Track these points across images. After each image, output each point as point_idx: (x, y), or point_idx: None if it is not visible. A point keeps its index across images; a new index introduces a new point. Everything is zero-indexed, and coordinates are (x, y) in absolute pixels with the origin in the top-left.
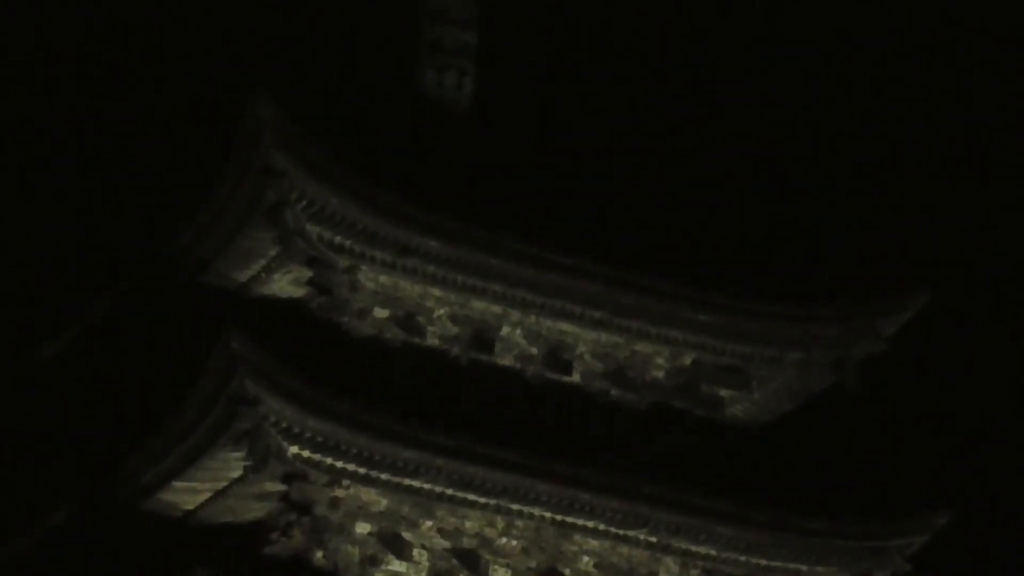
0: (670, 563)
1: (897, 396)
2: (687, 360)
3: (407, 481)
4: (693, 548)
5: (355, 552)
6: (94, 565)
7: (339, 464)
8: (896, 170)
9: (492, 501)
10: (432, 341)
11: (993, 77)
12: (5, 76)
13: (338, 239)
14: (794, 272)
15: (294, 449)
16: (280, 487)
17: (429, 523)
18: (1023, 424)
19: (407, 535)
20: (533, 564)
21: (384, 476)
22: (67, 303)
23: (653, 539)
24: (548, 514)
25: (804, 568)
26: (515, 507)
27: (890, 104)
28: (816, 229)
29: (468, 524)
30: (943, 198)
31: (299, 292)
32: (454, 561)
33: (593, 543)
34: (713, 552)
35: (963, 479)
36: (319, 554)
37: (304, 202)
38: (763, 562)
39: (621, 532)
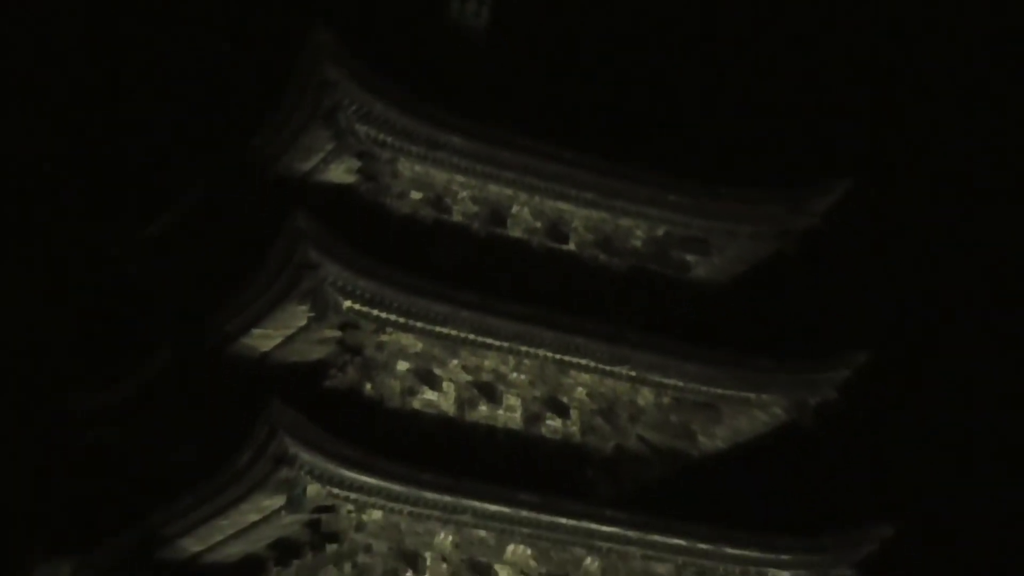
0: (646, 392)
1: (829, 263)
2: (660, 232)
3: (437, 328)
4: (665, 380)
5: (396, 384)
6: (191, 399)
7: (383, 315)
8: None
9: (505, 344)
10: (457, 218)
11: None
12: None
13: (381, 136)
14: (748, 164)
15: (348, 303)
16: (337, 333)
17: (455, 361)
18: (932, 273)
19: (438, 371)
20: (537, 394)
21: (419, 324)
22: (166, 193)
23: (633, 373)
24: (550, 354)
25: (752, 396)
26: (523, 348)
27: None
28: (768, 136)
29: (486, 363)
30: (866, 103)
31: (350, 179)
32: (475, 391)
33: (585, 377)
34: (680, 384)
35: (879, 329)
36: (368, 386)
37: (354, 107)
38: (720, 391)
39: (607, 368)
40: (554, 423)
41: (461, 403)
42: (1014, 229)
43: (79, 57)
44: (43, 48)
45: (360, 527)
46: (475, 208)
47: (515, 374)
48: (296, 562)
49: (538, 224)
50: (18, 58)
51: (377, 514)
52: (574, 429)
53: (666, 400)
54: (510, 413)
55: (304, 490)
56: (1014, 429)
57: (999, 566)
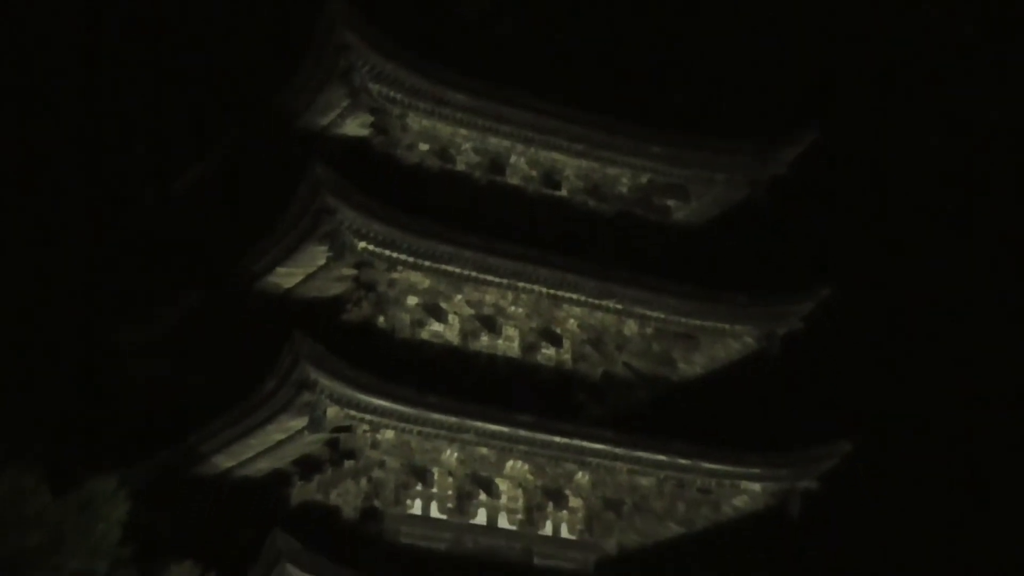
0: (631, 324)
1: (796, 207)
2: (644, 180)
3: (443, 267)
4: (648, 313)
5: (406, 317)
6: (222, 332)
7: (394, 255)
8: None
9: (504, 281)
10: (460, 167)
11: None
12: None
13: (392, 94)
14: (723, 117)
15: (362, 244)
16: (352, 272)
17: (459, 296)
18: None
19: (443, 305)
20: (534, 325)
21: (427, 263)
22: (197, 148)
23: (619, 307)
24: (544, 290)
25: (727, 327)
26: (521, 285)
27: None
28: (742, 90)
29: (487, 297)
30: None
31: (364, 133)
32: (477, 323)
33: (576, 310)
34: (662, 316)
35: (841, 266)
36: (381, 319)
37: (367, 67)
38: (697, 322)
39: (596, 302)
40: (548, 352)
41: (465, 334)
42: (968, 157)
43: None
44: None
45: (375, 445)
46: (477, 158)
47: (513, 308)
48: (317, 476)
49: (534, 173)
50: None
51: (390, 433)
52: (566, 357)
53: (649, 331)
54: (509, 343)
55: (324, 412)
56: (971, 352)
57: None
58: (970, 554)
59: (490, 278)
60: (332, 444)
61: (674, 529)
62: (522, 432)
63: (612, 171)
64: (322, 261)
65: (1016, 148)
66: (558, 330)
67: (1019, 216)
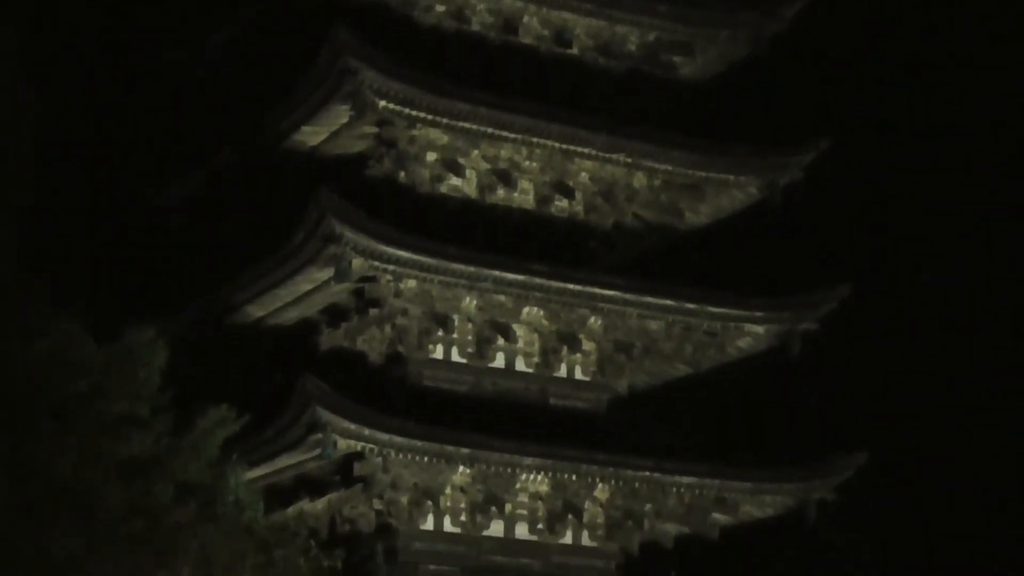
0: (640, 176)
1: (795, 64)
2: (651, 37)
3: (460, 124)
4: (656, 165)
5: (426, 173)
6: (251, 188)
7: (414, 113)
8: None
9: (519, 136)
10: (475, 27)
11: None
12: None
13: None
14: None
15: (383, 103)
16: (374, 129)
17: (476, 152)
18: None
19: (461, 160)
20: (547, 178)
21: (445, 120)
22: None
23: (629, 160)
24: (557, 144)
25: (731, 177)
26: (534, 140)
27: None
28: None
29: (503, 152)
30: None
31: None
32: (493, 177)
33: (587, 164)
34: (670, 168)
35: (840, 120)
36: (401, 175)
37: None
38: (703, 173)
39: (606, 156)
40: (561, 204)
41: (482, 188)
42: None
43: None
44: None
45: (398, 294)
46: (491, 19)
47: (527, 162)
48: (344, 324)
49: (546, 32)
50: None
51: (412, 283)
52: (579, 209)
53: (657, 182)
54: (524, 196)
55: (349, 263)
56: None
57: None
58: None
59: (505, 134)
60: (357, 293)
61: (682, 369)
62: (537, 280)
63: (620, 29)
64: (345, 120)
65: None
66: (570, 183)
67: None
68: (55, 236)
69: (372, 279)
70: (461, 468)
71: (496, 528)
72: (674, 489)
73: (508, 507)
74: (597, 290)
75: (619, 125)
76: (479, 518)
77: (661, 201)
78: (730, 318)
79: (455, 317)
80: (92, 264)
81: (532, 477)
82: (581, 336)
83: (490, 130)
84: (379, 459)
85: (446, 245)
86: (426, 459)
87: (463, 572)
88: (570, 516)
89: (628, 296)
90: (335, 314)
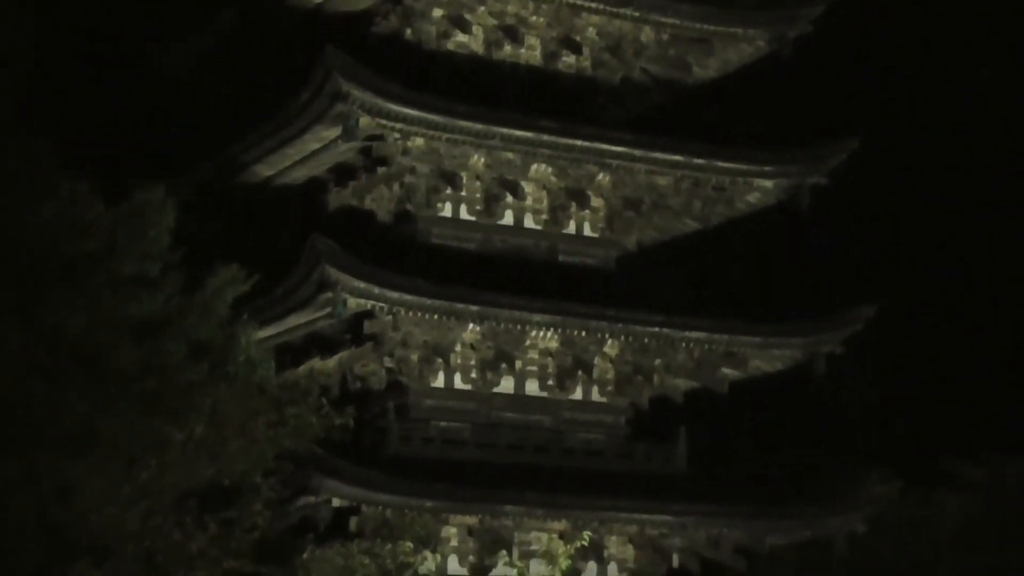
0: (648, 30)
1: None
2: (664, 36)
3: None
4: (664, 19)
5: (432, 29)
6: (256, 47)
7: None
8: None
9: None
10: None
11: None
12: None
13: None
14: None
15: None
16: None
17: (482, 8)
18: None
19: (467, 16)
20: (554, 34)
21: None
22: None
23: (636, 14)
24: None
25: (740, 31)
26: None
27: None
28: None
29: (509, 8)
30: None
31: None
32: (500, 33)
33: (595, 18)
34: (677, 22)
35: None
36: (408, 32)
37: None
38: (711, 27)
39: (613, 10)
40: (569, 59)
41: (488, 44)
42: None
43: None
44: None
45: (406, 152)
46: None
47: (534, 17)
48: (352, 183)
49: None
50: None
51: (420, 140)
52: (586, 64)
53: (665, 36)
54: (531, 51)
55: (356, 121)
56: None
57: None
58: None
59: None
60: (365, 152)
61: (691, 225)
62: (545, 136)
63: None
64: None
65: None
66: (578, 38)
67: None
68: (60, 97)
69: (379, 137)
70: (471, 325)
71: (506, 384)
72: (683, 344)
73: (518, 364)
74: (605, 146)
75: None
76: (489, 375)
77: (669, 55)
78: (739, 173)
79: (463, 174)
80: (99, 125)
81: (542, 333)
82: (589, 192)
83: None
84: (389, 317)
85: (453, 102)
86: (436, 316)
87: (474, 428)
88: (580, 372)
89: (636, 152)
90: (343, 173)
